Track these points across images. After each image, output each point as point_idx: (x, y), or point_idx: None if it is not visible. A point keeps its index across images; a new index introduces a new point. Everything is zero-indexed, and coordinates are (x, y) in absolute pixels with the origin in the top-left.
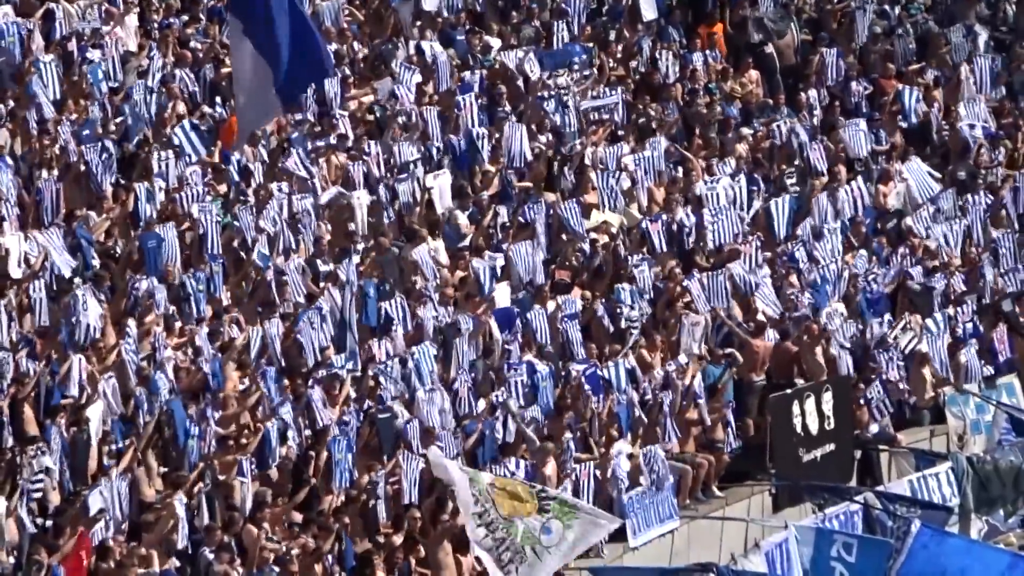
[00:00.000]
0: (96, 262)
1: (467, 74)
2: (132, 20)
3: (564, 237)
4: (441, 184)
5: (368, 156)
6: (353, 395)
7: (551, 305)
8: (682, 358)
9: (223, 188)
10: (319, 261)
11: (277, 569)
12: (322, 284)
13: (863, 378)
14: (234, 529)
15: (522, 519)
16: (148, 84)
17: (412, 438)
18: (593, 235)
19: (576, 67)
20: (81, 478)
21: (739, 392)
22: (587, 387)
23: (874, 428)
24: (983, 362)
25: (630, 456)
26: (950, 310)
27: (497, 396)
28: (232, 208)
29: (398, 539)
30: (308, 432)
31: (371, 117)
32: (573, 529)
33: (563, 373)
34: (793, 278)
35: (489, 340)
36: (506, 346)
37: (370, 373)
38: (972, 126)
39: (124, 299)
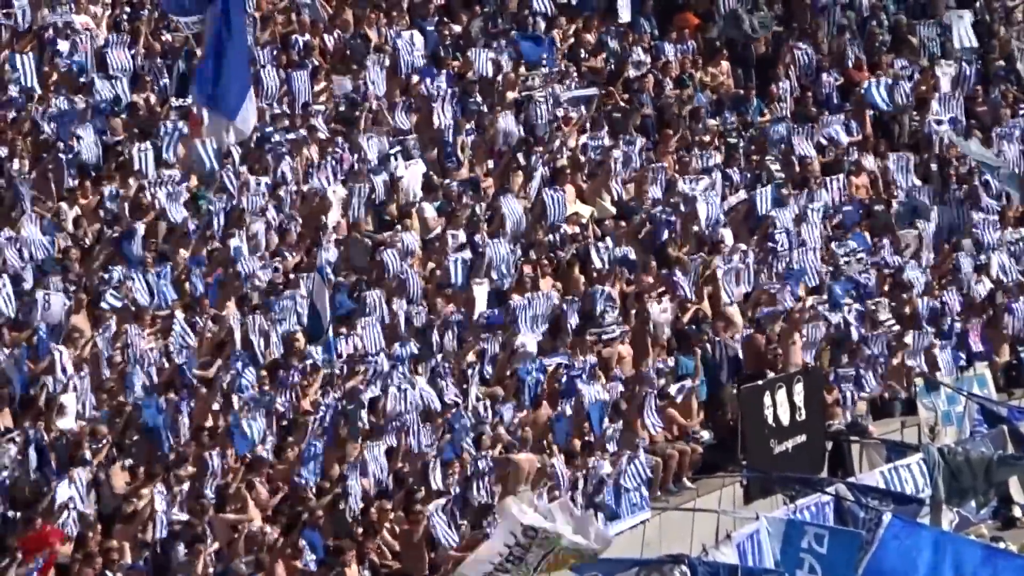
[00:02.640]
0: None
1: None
2: (100, 11)
3: (539, 227)
4: (412, 174)
5: (340, 149)
6: (325, 386)
7: (523, 298)
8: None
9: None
10: (292, 252)
11: (248, 558)
12: (295, 275)
13: (838, 369)
14: (207, 521)
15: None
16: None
17: (383, 430)
18: (565, 227)
19: (544, 64)
20: (54, 470)
21: (712, 384)
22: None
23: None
24: (957, 352)
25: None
26: (930, 301)
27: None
28: (208, 197)
29: (368, 531)
30: (282, 423)
31: (342, 109)
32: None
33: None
34: (771, 269)
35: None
36: (483, 343)
37: (340, 365)
38: (939, 122)
39: (96, 291)
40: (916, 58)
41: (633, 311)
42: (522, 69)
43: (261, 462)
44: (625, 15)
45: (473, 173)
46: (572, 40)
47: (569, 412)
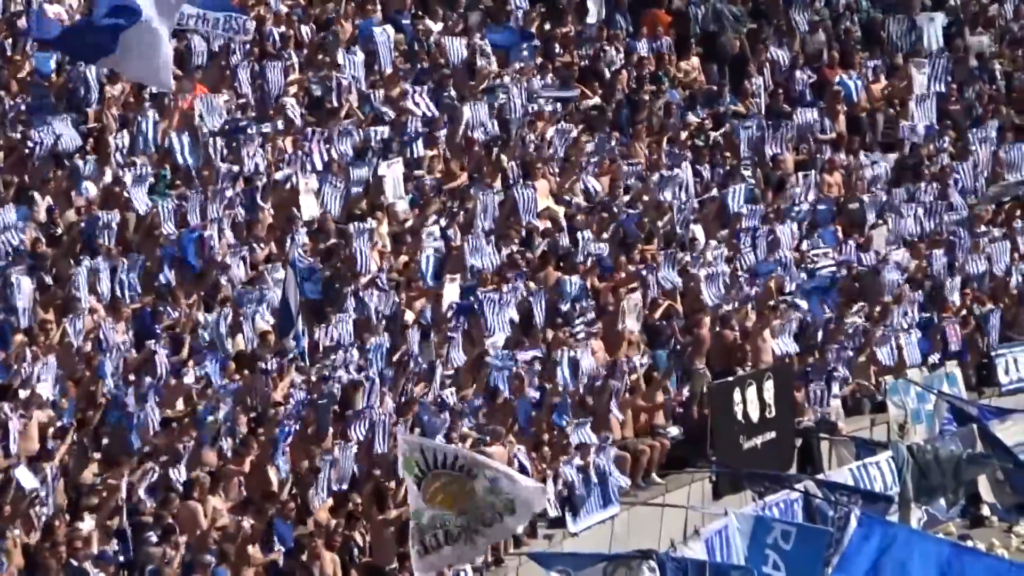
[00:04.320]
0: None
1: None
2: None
3: (511, 222)
4: (394, 172)
5: (312, 142)
6: (297, 379)
7: (495, 291)
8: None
9: (167, 170)
10: (262, 245)
11: (215, 548)
12: (264, 267)
13: (807, 365)
14: (174, 511)
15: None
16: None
17: (353, 425)
18: (537, 222)
19: (524, 54)
20: (22, 458)
21: (684, 379)
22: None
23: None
24: (929, 351)
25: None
26: (899, 297)
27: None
28: (176, 189)
29: (337, 523)
30: (252, 415)
31: (316, 94)
32: (509, 519)
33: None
34: (742, 265)
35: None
36: (450, 334)
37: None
38: (913, 127)
39: (66, 281)
40: (888, 56)
41: (607, 306)
42: (494, 65)
43: (232, 454)
44: (593, 17)
45: (446, 167)
46: (546, 35)
47: (535, 406)
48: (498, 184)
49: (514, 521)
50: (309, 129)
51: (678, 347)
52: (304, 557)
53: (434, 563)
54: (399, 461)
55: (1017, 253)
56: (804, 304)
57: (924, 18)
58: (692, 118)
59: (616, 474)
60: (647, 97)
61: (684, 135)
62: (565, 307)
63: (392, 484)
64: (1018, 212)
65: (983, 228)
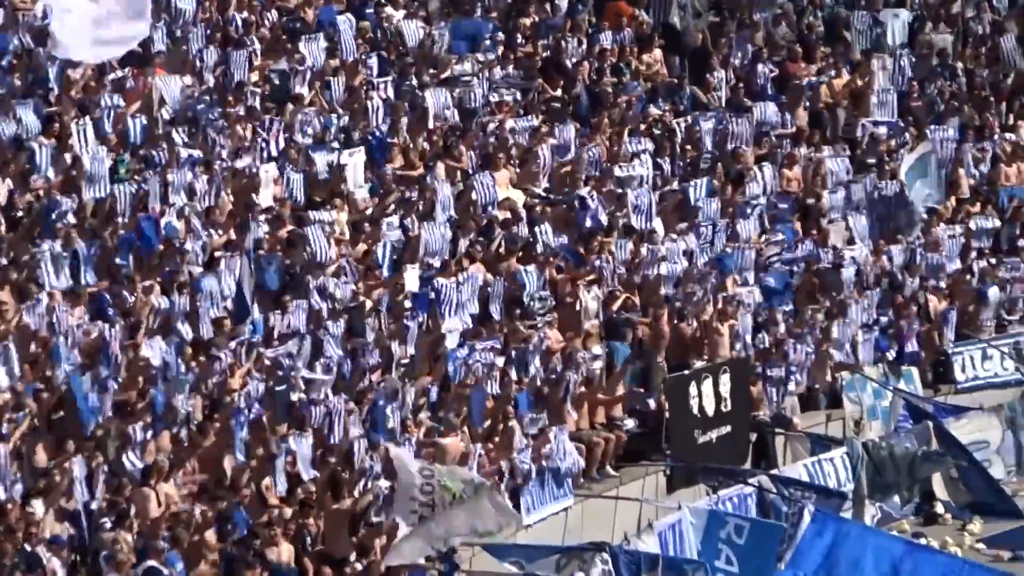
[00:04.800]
0: None
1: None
2: None
3: (471, 213)
4: (356, 162)
5: (272, 128)
6: (253, 367)
7: (453, 280)
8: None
9: (127, 154)
10: (220, 231)
11: (168, 534)
12: (221, 254)
13: (763, 359)
14: (127, 495)
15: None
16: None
17: (308, 414)
18: (497, 212)
19: (488, 41)
20: None
21: (644, 372)
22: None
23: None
24: (889, 348)
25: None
26: (857, 294)
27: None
28: (135, 174)
29: (290, 510)
30: (207, 402)
31: (277, 83)
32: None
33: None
34: (704, 258)
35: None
36: (406, 322)
37: (272, 346)
38: (876, 123)
39: (24, 265)
40: (850, 51)
41: (565, 297)
42: (455, 52)
43: (187, 440)
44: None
45: (406, 157)
46: (509, 25)
47: (490, 396)
48: (458, 174)
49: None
50: (267, 118)
51: (639, 340)
52: (258, 545)
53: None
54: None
55: (973, 251)
56: (759, 296)
57: (888, 14)
58: (653, 111)
59: (572, 458)
60: (608, 89)
61: (645, 127)
62: (525, 295)
63: (346, 474)
64: (975, 210)
65: (941, 226)
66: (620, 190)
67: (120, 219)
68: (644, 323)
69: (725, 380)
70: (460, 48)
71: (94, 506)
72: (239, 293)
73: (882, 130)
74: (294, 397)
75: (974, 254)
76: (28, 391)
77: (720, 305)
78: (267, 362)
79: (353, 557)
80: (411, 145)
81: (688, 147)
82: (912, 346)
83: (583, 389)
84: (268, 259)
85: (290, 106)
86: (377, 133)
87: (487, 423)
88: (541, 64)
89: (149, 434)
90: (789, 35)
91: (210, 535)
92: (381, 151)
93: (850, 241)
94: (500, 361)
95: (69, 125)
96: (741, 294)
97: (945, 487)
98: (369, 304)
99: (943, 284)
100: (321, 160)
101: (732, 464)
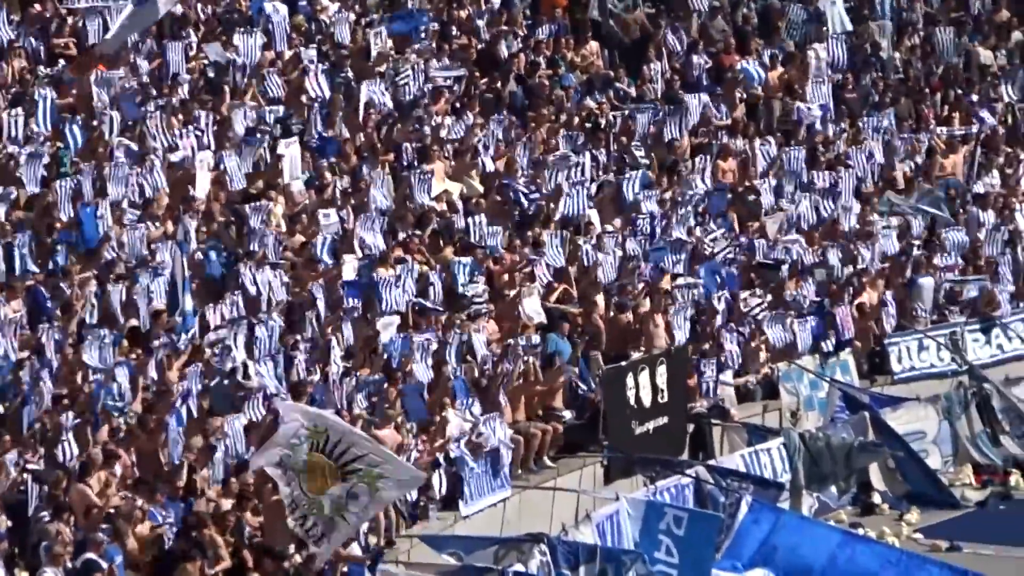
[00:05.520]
0: None
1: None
2: None
3: (408, 205)
4: (292, 153)
5: (206, 120)
6: (188, 359)
7: (391, 272)
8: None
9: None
10: (156, 223)
11: (106, 526)
12: (157, 246)
13: (700, 350)
14: (66, 489)
15: (328, 494)
16: None
17: (247, 404)
18: (433, 204)
19: (423, 34)
20: None
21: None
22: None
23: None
24: (823, 337)
25: (471, 432)
26: (793, 285)
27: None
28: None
29: (228, 503)
30: (144, 395)
31: (211, 75)
32: (381, 491)
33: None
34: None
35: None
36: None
37: (208, 339)
38: (809, 108)
39: None
40: (784, 41)
41: (501, 289)
42: (391, 45)
43: (124, 432)
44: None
45: (341, 148)
46: (444, 18)
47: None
48: (392, 166)
49: (386, 494)
50: (203, 112)
51: (576, 332)
52: (194, 537)
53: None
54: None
55: (907, 241)
56: (697, 284)
57: (826, 2)
58: (589, 102)
59: (507, 448)
60: (544, 81)
61: (580, 119)
62: (460, 289)
63: None
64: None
65: (875, 216)
66: (555, 182)
67: (61, 213)
68: (580, 314)
69: (662, 371)
70: (396, 33)
71: (32, 499)
72: (172, 284)
73: (816, 114)
74: (232, 390)
75: (907, 244)
76: None
77: (656, 297)
78: (205, 353)
79: (292, 549)
80: (347, 137)
81: (623, 139)
82: (847, 335)
83: (520, 381)
84: (213, 250)
85: (226, 98)
86: (316, 126)
87: (423, 414)
88: (476, 57)
89: (87, 428)
90: (724, 27)
91: (145, 528)
92: (325, 145)
93: (784, 231)
94: (436, 352)
95: (2, 117)
96: (676, 283)
97: (882, 477)
98: (306, 296)
99: (876, 274)
100: (255, 152)
101: (669, 455)
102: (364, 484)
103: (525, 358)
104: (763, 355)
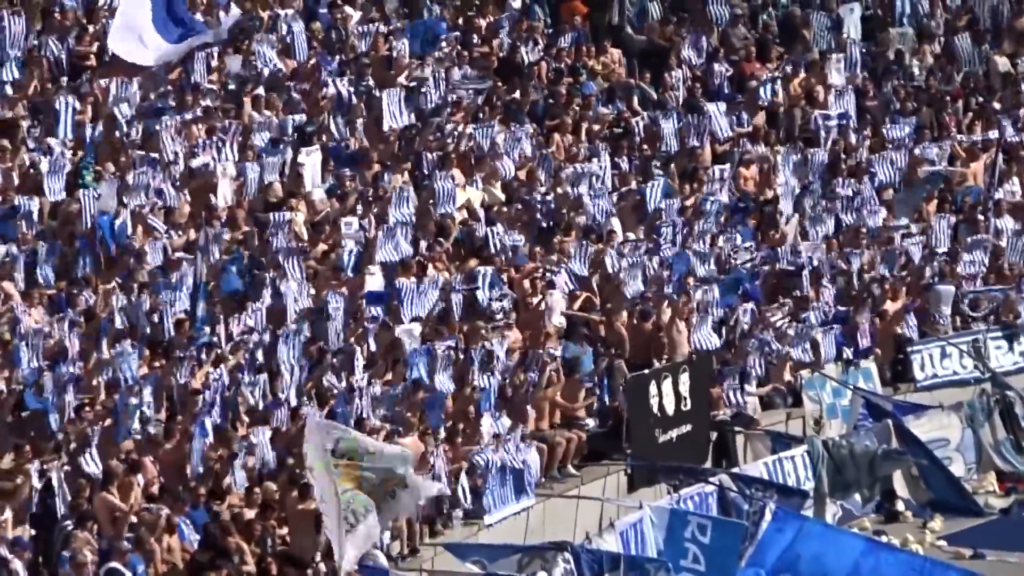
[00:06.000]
0: None
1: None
2: None
3: (432, 212)
4: (312, 161)
5: (229, 129)
6: (212, 368)
7: (410, 281)
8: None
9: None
10: (179, 232)
11: (131, 535)
12: (180, 255)
13: (724, 360)
14: (90, 498)
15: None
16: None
17: (271, 414)
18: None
19: (444, 43)
20: None
21: (608, 372)
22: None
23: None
24: (845, 345)
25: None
26: (813, 292)
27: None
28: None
29: (252, 512)
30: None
31: (232, 87)
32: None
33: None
34: (658, 259)
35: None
36: (366, 324)
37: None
38: (827, 116)
39: None
40: (807, 51)
41: (524, 297)
42: (411, 53)
43: (149, 441)
44: (515, 2)
45: (365, 157)
46: (464, 26)
47: (449, 396)
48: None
49: (408, 498)
50: (227, 121)
51: (599, 341)
52: (220, 546)
53: (357, 545)
54: (312, 449)
55: (929, 250)
56: (717, 294)
57: (845, 9)
58: (610, 110)
59: (533, 458)
60: (565, 89)
61: (601, 127)
62: (482, 300)
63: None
64: (932, 208)
65: (897, 223)
66: (577, 190)
67: (83, 223)
68: (602, 322)
69: (685, 379)
70: (416, 48)
71: (57, 508)
72: (193, 292)
73: (833, 123)
74: (255, 397)
75: (929, 252)
76: None
77: (679, 305)
78: (228, 362)
79: (318, 558)
80: (368, 146)
81: (645, 147)
82: (867, 342)
83: (544, 390)
84: (233, 261)
85: (247, 107)
86: (335, 135)
87: (448, 423)
88: (497, 65)
89: (111, 436)
90: (745, 35)
91: (172, 538)
92: (346, 154)
93: (804, 237)
94: (459, 361)
95: (22, 127)
96: (700, 294)
97: (906, 485)
98: (329, 305)
99: (899, 282)
100: (276, 160)
101: (693, 463)
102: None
103: (553, 366)
104: (787, 374)
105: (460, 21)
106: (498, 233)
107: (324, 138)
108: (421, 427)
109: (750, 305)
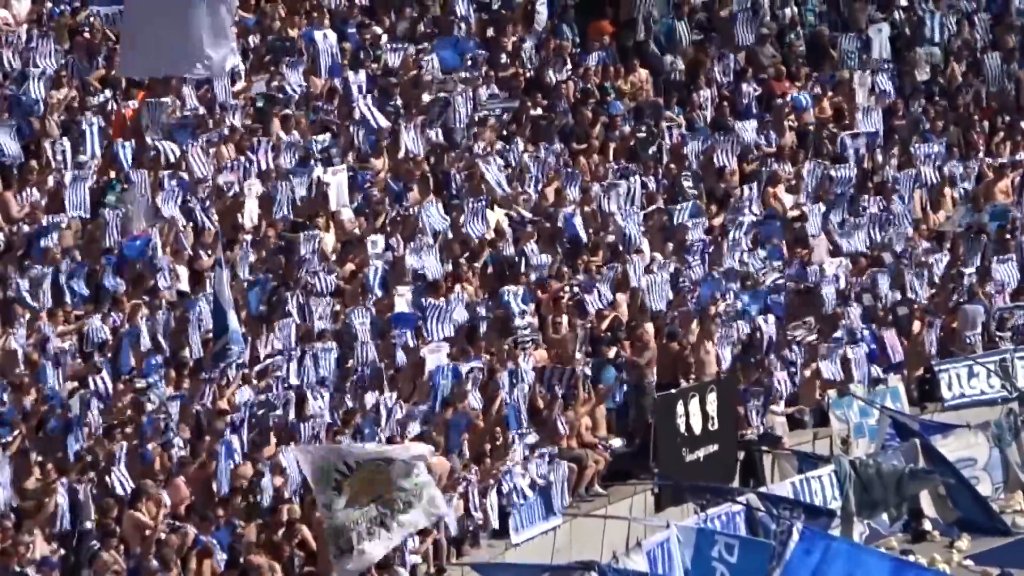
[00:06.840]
0: None
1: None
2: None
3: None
4: (339, 180)
5: (258, 148)
6: (241, 388)
7: (443, 301)
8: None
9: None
10: (207, 251)
11: (158, 555)
12: (209, 274)
13: (750, 379)
14: (117, 517)
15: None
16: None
17: (298, 434)
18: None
19: (470, 60)
20: None
21: (635, 392)
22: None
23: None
24: (872, 364)
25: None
26: (842, 312)
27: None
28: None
29: (279, 531)
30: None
31: (259, 105)
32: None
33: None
34: (687, 279)
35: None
36: (393, 341)
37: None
38: (856, 135)
39: (7, 287)
40: (836, 70)
41: (550, 316)
42: (439, 73)
43: (176, 462)
44: (541, 21)
45: (392, 176)
46: (491, 45)
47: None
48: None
49: (422, 512)
50: (255, 139)
51: (623, 360)
52: (244, 565)
53: (355, 564)
54: (312, 473)
55: (955, 269)
56: (746, 310)
57: (874, 29)
58: (637, 130)
59: (559, 485)
60: (592, 109)
61: (630, 147)
62: (510, 315)
63: None
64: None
65: (925, 243)
66: (605, 209)
67: (108, 243)
68: (630, 342)
69: (712, 399)
70: (447, 63)
71: (83, 527)
72: (217, 307)
73: (861, 141)
74: (282, 418)
75: (955, 272)
76: (10, 414)
77: (706, 324)
78: (254, 381)
79: None
80: (396, 165)
81: (672, 166)
82: (896, 357)
83: (571, 409)
84: (258, 283)
85: (275, 127)
86: (360, 153)
87: (465, 443)
88: (524, 84)
89: (138, 456)
90: (773, 53)
91: (198, 556)
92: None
93: (833, 255)
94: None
95: (49, 148)
96: (728, 313)
97: (933, 504)
98: (357, 324)
99: (926, 300)
100: (303, 180)
101: (720, 482)
102: (410, 497)
103: (583, 383)
104: (816, 383)
105: (487, 39)
106: (527, 252)
107: (351, 158)
108: (446, 446)
109: (772, 320)
